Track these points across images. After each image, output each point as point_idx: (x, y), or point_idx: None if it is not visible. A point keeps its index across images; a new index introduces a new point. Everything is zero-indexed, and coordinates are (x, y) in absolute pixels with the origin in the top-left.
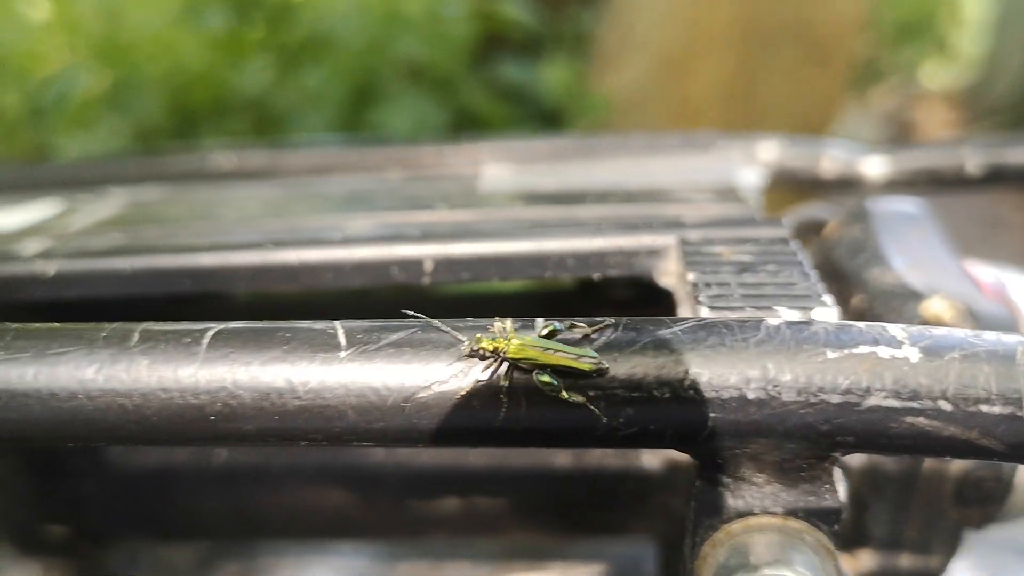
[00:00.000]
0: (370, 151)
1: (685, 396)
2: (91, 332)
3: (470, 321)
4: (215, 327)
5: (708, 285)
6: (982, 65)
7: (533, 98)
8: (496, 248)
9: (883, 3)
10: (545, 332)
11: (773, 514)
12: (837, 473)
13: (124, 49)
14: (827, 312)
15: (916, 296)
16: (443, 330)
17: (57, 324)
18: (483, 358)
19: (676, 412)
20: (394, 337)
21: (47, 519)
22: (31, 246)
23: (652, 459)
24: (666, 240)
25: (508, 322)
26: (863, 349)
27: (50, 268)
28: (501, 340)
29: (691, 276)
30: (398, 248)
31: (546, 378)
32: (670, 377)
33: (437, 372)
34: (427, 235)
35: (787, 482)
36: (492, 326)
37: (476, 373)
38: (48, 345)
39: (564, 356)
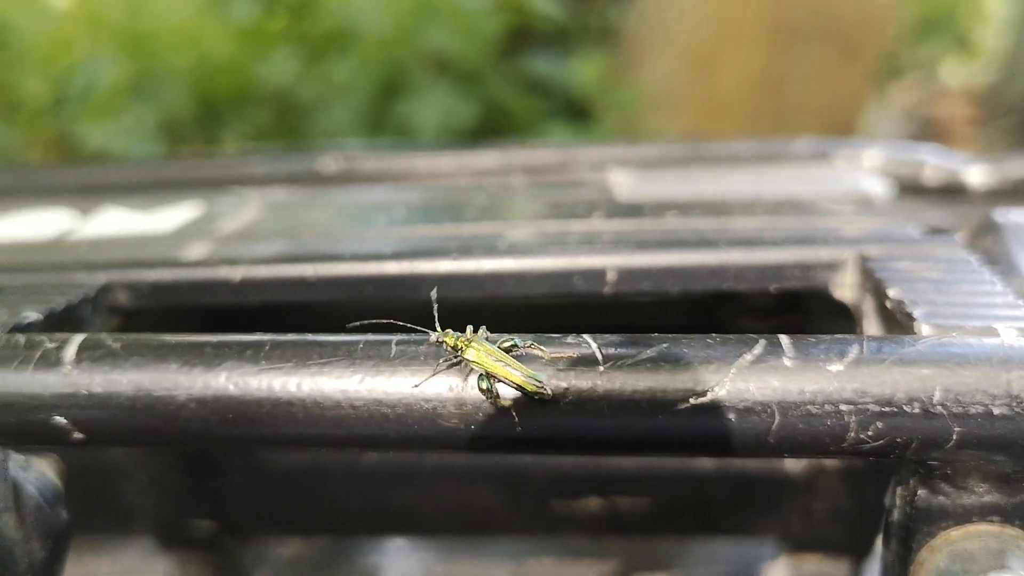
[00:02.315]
0: (485, 154)
1: (934, 411)
2: (348, 344)
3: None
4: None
5: (915, 302)
6: (1003, 62)
7: (561, 92)
8: (680, 260)
9: None
10: (506, 345)
11: (991, 522)
12: None
13: (148, 39)
14: None
15: None
16: (418, 330)
17: (309, 336)
18: (452, 352)
19: (924, 426)
20: (649, 353)
21: (195, 514)
22: (195, 249)
23: (794, 464)
24: (842, 254)
25: (481, 330)
26: None
27: (235, 274)
28: (462, 340)
29: (892, 292)
30: (581, 259)
31: (484, 384)
32: (920, 392)
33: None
34: (600, 245)
35: (1008, 492)
36: (466, 331)
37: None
38: (308, 356)
39: (511, 372)
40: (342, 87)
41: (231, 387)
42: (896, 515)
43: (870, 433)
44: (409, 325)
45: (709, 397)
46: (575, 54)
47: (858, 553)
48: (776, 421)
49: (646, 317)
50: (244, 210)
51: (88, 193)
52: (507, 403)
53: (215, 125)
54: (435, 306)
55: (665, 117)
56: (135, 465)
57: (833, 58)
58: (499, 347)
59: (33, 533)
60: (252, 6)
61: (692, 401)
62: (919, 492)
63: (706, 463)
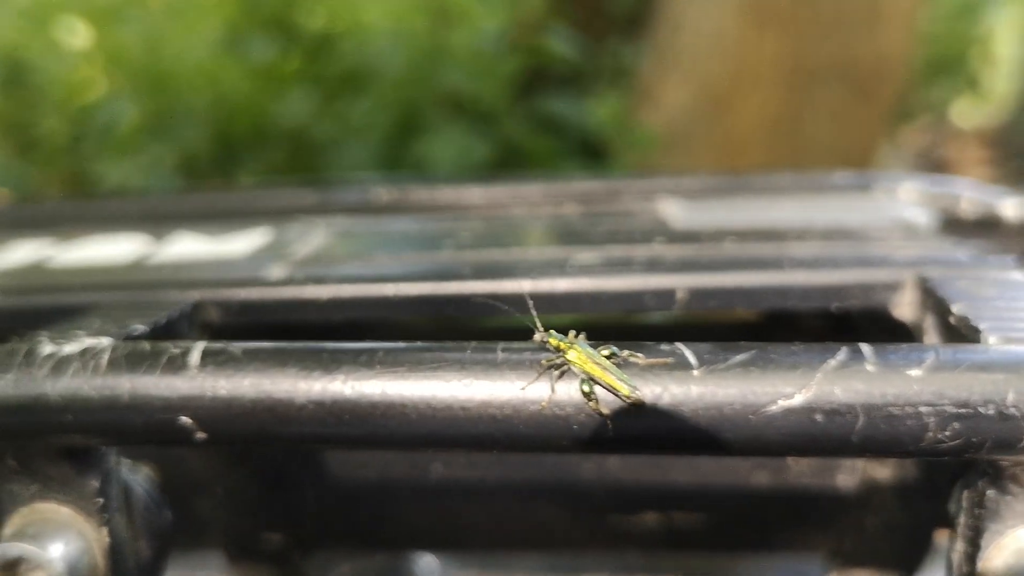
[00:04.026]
0: (534, 186)
1: (1007, 412)
2: (457, 349)
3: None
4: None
5: (979, 317)
6: (1014, 104)
7: (577, 131)
8: (746, 280)
9: (915, 40)
10: (606, 353)
11: None
12: None
13: (166, 78)
14: None
15: None
16: (523, 324)
17: (419, 343)
18: (554, 352)
19: (998, 427)
20: (739, 358)
21: (265, 528)
22: (274, 271)
23: (847, 479)
24: (900, 275)
25: (581, 335)
26: None
27: (322, 293)
28: (565, 343)
29: (956, 308)
30: (651, 279)
31: (586, 388)
32: (995, 395)
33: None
34: (666, 267)
35: None
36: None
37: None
38: (419, 361)
39: (609, 375)
40: (358, 126)
41: (347, 390)
42: (964, 517)
43: (947, 433)
44: (510, 309)
45: (798, 399)
46: (590, 94)
47: (909, 568)
48: (860, 422)
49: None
50: (312, 236)
51: (154, 221)
52: (606, 408)
53: (232, 163)
54: (531, 304)
55: (682, 156)
56: (212, 478)
57: (849, 99)
58: (598, 351)
59: (141, 533)
60: (269, 47)
61: (781, 403)
62: (988, 492)
63: (761, 479)
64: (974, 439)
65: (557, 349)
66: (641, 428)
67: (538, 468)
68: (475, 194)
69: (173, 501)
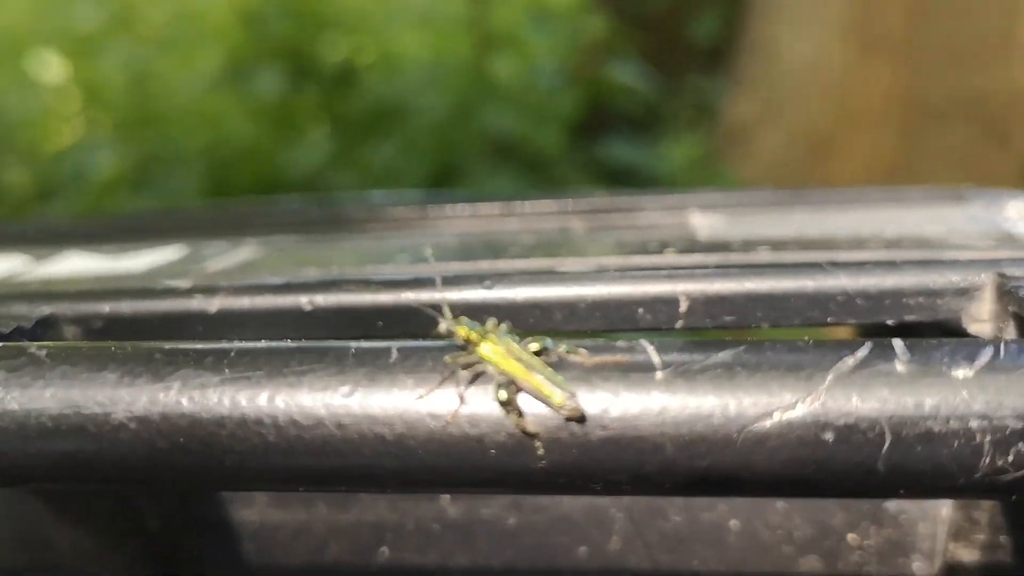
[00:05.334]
0: (548, 202)
1: None
2: (335, 349)
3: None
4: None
5: None
6: None
7: (646, 181)
8: (770, 286)
9: None
10: (535, 347)
11: None
12: None
13: (154, 119)
14: None
15: None
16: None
17: (286, 341)
18: (461, 347)
19: None
20: (720, 356)
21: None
22: (180, 284)
23: (924, 566)
24: (979, 278)
25: (502, 325)
26: None
27: (211, 305)
28: (476, 333)
29: None
30: (645, 285)
31: (504, 394)
32: None
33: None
34: (674, 273)
35: None
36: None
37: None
38: (284, 362)
39: (535, 376)
40: (384, 173)
41: (184, 402)
42: None
43: (1011, 459)
44: (435, 312)
45: (799, 411)
46: (664, 137)
47: None
48: (887, 443)
49: None
50: (236, 252)
51: (47, 241)
52: (533, 423)
53: None
54: (439, 282)
55: None
56: (76, 509)
57: (977, 142)
58: (525, 347)
59: None
60: (279, 81)
61: (777, 416)
62: None
63: (812, 566)
64: None
65: (467, 342)
66: (578, 453)
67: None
68: (464, 210)
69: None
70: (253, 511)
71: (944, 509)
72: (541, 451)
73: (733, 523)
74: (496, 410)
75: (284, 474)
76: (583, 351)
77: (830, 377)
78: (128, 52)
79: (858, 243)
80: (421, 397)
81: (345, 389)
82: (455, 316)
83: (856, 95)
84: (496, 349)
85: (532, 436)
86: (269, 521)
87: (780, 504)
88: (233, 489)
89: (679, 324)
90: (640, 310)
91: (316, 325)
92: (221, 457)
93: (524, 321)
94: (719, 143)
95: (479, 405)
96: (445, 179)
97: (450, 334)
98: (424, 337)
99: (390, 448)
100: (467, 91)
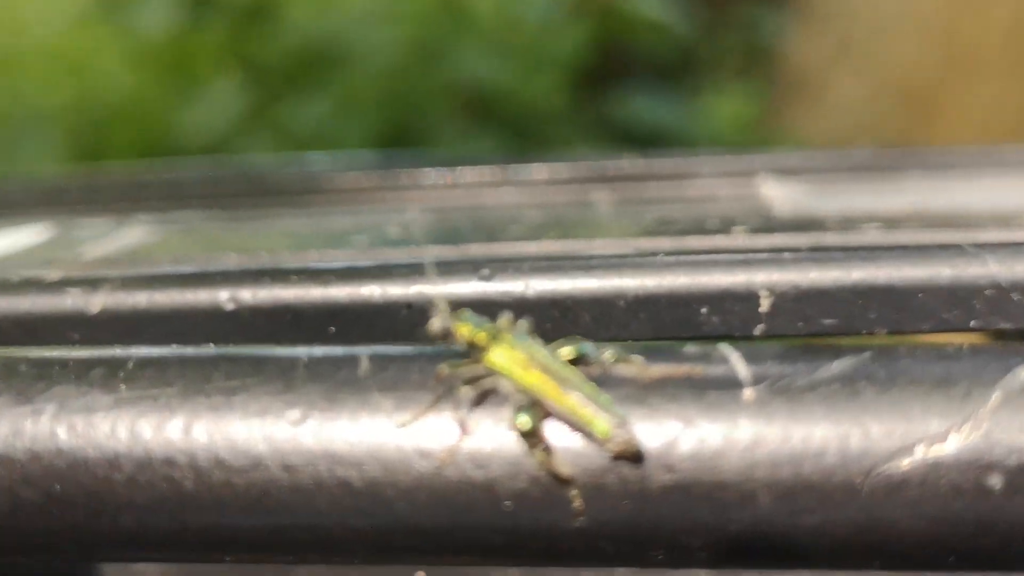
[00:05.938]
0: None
1: None
2: (282, 357)
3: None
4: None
5: None
6: None
7: (679, 145)
8: (887, 275)
9: None
10: (568, 355)
11: None
12: None
13: (4, 64)
14: None
15: None
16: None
17: (208, 347)
18: (462, 353)
19: None
20: (836, 367)
21: None
22: (45, 274)
23: None
24: None
25: (520, 322)
26: None
27: (93, 304)
28: (483, 332)
29: None
30: (710, 276)
31: (526, 421)
32: None
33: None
34: (748, 259)
35: None
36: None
37: None
38: (207, 376)
39: (571, 397)
40: (315, 137)
41: (61, 432)
42: None
43: None
44: (412, 309)
45: (952, 445)
46: (703, 89)
47: None
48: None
49: None
50: (121, 233)
51: None
52: (566, 464)
53: None
54: (434, 275)
55: None
56: None
57: None
58: (554, 353)
59: None
60: (169, 12)
61: (919, 453)
62: None
63: None
64: None
65: (472, 347)
66: (632, 507)
67: None
68: (439, 177)
69: None
70: None
71: None
72: (578, 504)
73: None
74: (513, 444)
75: (206, 537)
76: (637, 359)
77: (996, 395)
78: None
79: (1006, 218)
80: (404, 425)
81: (294, 414)
82: (452, 310)
83: (966, 38)
84: (514, 356)
85: (566, 482)
86: None
87: None
88: (131, 559)
89: (759, 329)
90: (703, 310)
91: (241, 331)
92: (114, 514)
93: (537, 326)
94: (779, 97)
95: (488, 437)
96: (400, 142)
97: (446, 335)
98: (404, 343)
99: (359, 500)
100: (430, 25)
